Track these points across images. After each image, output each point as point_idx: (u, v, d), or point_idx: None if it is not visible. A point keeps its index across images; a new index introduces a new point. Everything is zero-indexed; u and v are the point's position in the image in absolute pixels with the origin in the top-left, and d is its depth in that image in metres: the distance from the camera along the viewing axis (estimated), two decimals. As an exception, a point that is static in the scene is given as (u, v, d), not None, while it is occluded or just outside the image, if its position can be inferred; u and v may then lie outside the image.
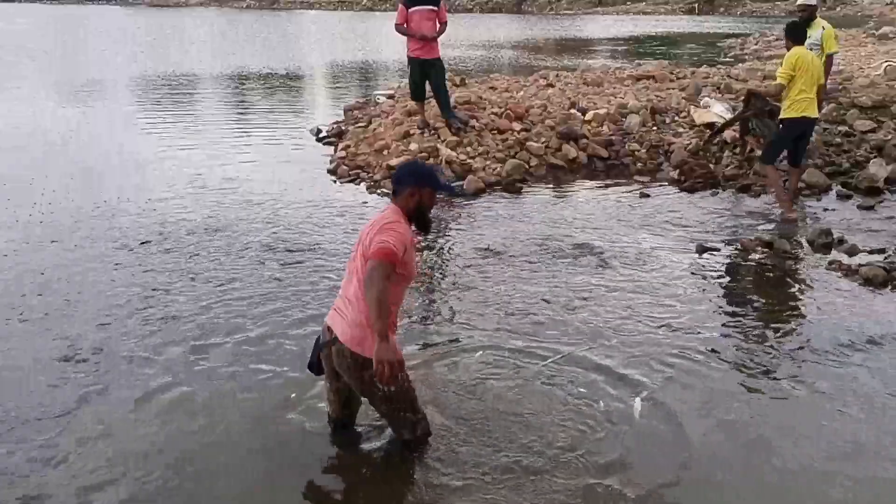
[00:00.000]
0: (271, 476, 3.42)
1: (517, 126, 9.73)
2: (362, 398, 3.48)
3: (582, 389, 4.12)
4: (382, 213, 3.37)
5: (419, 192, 3.35)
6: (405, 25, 9.29)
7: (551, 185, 8.46)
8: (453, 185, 3.75)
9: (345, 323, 3.27)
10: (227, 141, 10.88)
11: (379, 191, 8.18)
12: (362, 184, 8.51)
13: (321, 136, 10.99)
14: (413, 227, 3.41)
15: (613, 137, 9.65)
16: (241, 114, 13.80)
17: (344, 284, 3.41)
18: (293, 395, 4.04)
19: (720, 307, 5.33)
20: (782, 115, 7.25)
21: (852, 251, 6.23)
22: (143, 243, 6.40)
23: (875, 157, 8.76)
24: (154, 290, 5.45)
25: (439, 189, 3.52)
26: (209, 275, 5.74)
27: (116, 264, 5.95)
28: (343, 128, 10.99)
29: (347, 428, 3.65)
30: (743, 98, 8.11)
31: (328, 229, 6.86)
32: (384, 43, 25.90)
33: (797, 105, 7.10)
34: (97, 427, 3.77)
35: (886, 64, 14.37)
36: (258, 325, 4.90)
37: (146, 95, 15.77)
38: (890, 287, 5.54)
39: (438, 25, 9.35)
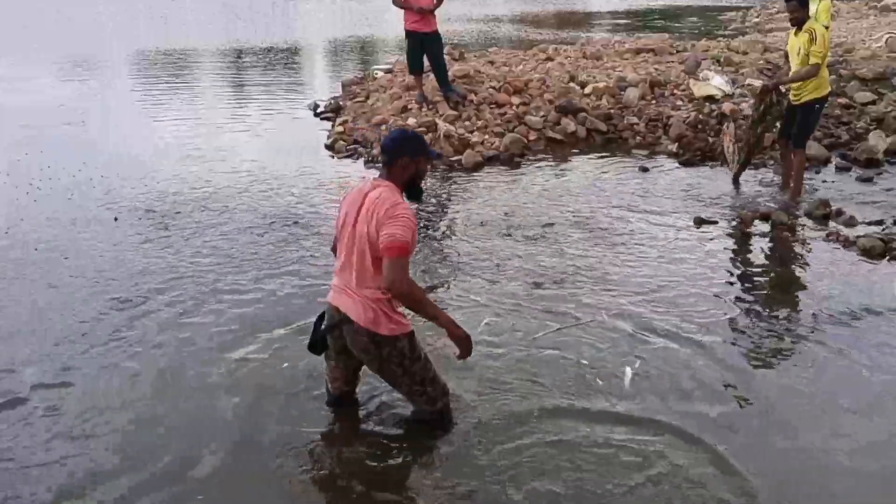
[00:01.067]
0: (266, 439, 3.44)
1: (516, 100, 9.68)
2: (382, 377, 3.43)
3: (584, 361, 4.13)
4: (377, 192, 3.18)
5: (415, 162, 3.27)
6: (403, -1, 9.23)
7: (550, 159, 8.43)
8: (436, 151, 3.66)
9: (355, 304, 3.21)
10: (223, 116, 10.85)
11: (377, 165, 8.15)
12: (360, 159, 8.49)
13: (319, 111, 10.94)
14: (406, 198, 3.30)
15: (612, 111, 9.60)
16: (238, 89, 13.74)
17: (342, 264, 3.29)
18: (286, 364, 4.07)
19: (717, 279, 5.33)
20: (816, 96, 6.73)
21: (850, 223, 6.23)
22: (139, 215, 6.41)
23: (875, 128, 8.74)
24: (145, 267, 5.46)
25: (433, 157, 3.47)
26: (205, 249, 5.75)
27: (107, 240, 5.97)
28: (341, 103, 10.93)
29: (344, 404, 3.64)
30: (759, 96, 7.10)
31: (325, 205, 6.84)
32: (382, 16, 25.67)
33: (826, 82, 6.80)
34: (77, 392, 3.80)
35: (888, 36, 14.28)
36: (250, 303, 4.92)
37: (143, 70, 15.70)
38: (888, 258, 5.54)
39: (435, -1, 9.28)
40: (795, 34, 6.68)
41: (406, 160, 3.26)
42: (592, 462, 3.30)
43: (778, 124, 7.21)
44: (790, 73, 6.84)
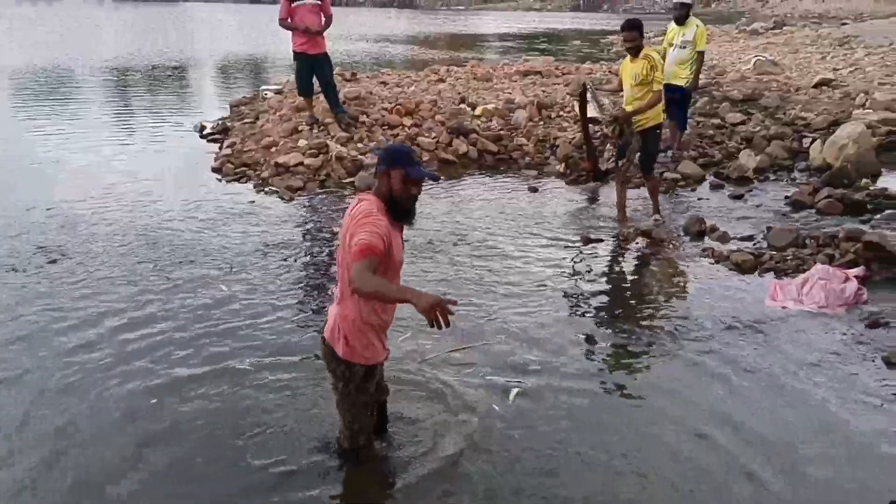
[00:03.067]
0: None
1: (407, 121, 9.75)
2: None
3: (456, 386, 4.18)
4: (359, 206, 3.08)
5: (388, 173, 3.06)
6: (289, 20, 9.12)
7: (443, 180, 8.52)
8: (430, 171, 3.28)
9: (330, 318, 3.25)
10: (105, 139, 10.38)
11: (267, 189, 8.01)
12: (249, 182, 8.31)
13: (205, 132, 10.64)
14: (392, 218, 3.08)
15: (502, 132, 9.81)
16: (121, 110, 13.19)
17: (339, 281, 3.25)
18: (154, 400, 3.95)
19: (601, 294, 5.53)
20: (658, 122, 6.90)
21: (724, 238, 6.57)
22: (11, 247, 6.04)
23: (745, 148, 9.28)
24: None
25: (412, 171, 3.06)
26: (85, 280, 5.47)
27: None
28: (229, 124, 10.69)
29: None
30: (615, 129, 6.85)
31: (210, 230, 6.65)
32: (272, 36, 25.33)
33: (660, 109, 6.95)
34: None
35: (756, 58, 15.24)
36: (137, 327, 4.72)
37: (20, 90, 14.86)
38: (757, 272, 5.88)
39: (323, 19, 9.23)
40: (632, 61, 6.75)
41: (382, 171, 3.09)
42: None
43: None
44: (626, 99, 6.88)
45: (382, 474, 3.48)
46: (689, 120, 9.52)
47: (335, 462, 3.47)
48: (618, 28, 7.47)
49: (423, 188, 3.27)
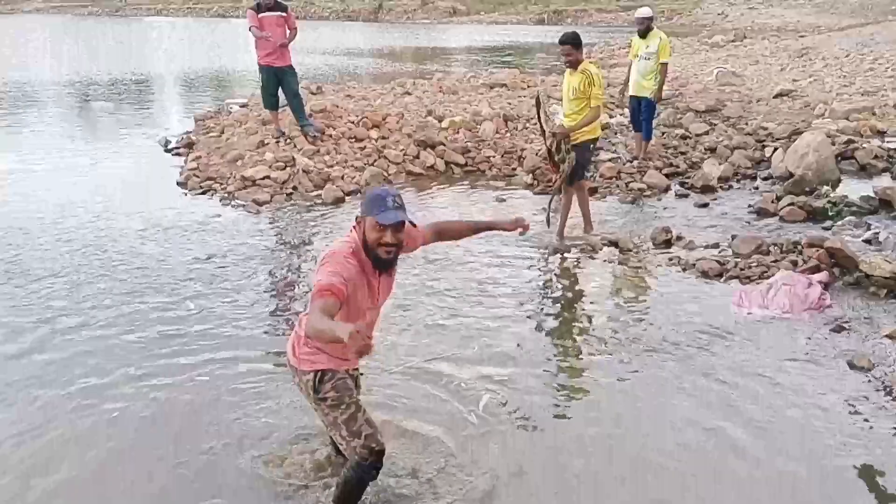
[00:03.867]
0: None
1: (374, 134, 9.73)
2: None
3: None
4: (335, 242, 3.09)
5: (364, 220, 2.99)
6: (259, 27, 9.11)
7: (412, 192, 8.49)
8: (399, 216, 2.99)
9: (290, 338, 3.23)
10: (67, 154, 10.20)
11: (233, 202, 7.94)
12: (215, 196, 8.22)
13: (170, 146, 10.51)
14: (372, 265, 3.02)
15: (469, 144, 9.83)
16: (82, 126, 12.99)
17: None
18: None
19: (570, 302, 5.56)
20: (592, 136, 6.83)
21: (690, 246, 6.64)
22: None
23: (709, 157, 9.41)
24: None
25: (379, 217, 2.92)
26: (44, 298, 5.36)
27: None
28: (194, 138, 10.57)
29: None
30: (552, 143, 6.72)
31: (175, 245, 6.56)
32: (236, 50, 25.19)
33: (599, 124, 6.95)
34: None
35: (717, 70, 15.51)
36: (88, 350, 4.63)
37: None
38: (723, 278, 5.95)
39: (288, 32, 9.22)
40: (571, 74, 6.69)
41: (358, 219, 3.04)
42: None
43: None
44: (564, 112, 6.90)
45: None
46: (653, 131, 9.65)
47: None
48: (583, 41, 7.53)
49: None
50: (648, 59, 8.93)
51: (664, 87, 9.41)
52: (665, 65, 9.00)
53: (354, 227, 3.06)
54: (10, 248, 6.39)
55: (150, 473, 3.52)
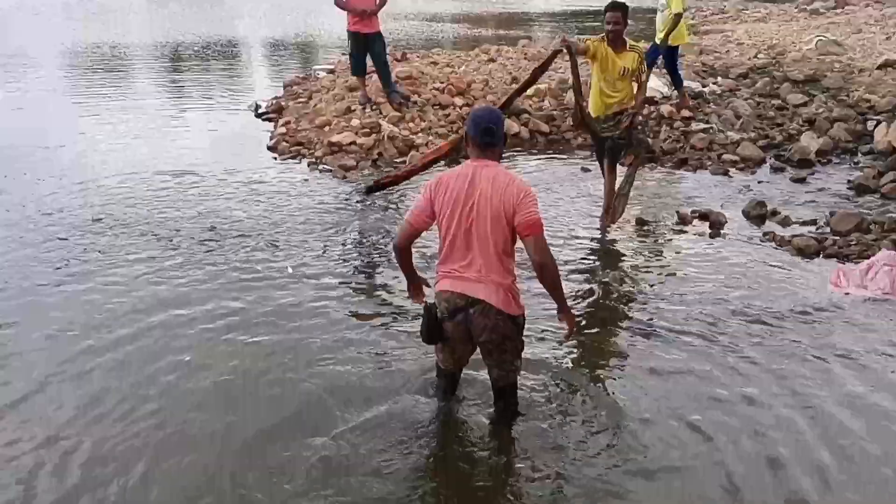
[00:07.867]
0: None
1: (459, 101, 9.71)
2: (494, 357, 3.42)
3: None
4: (492, 171, 3.20)
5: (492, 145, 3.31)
6: (344, 1, 9.15)
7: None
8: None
9: (486, 287, 3.24)
10: (162, 118, 10.55)
11: (320, 167, 8.08)
12: (304, 160, 8.39)
13: (260, 111, 10.75)
14: None
15: (555, 112, 9.70)
16: (178, 89, 13.39)
17: (457, 251, 3.25)
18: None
19: (658, 277, 5.46)
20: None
21: (785, 222, 6.42)
22: (92, 220, 6.21)
23: (807, 129, 9.04)
24: (76, 270, 5.31)
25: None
26: (146, 254, 5.61)
27: (49, 249, 5.77)
28: (283, 103, 10.77)
29: (456, 378, 3.72)
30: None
31: (270, 208, 6.74)
32: (324, 16, 25.41)
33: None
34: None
35: (817, 38, 14.79)
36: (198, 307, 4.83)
37: (77, 70, 15.18)
38: (821, 256, 5.74)
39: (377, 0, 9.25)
40: (618, 55, 5.83)
41: (501, 148, 3.36)
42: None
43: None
44: (600, 90, 6.08)
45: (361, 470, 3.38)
46: (682, 81, 9.84)
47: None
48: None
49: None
50: (663, 10, 9.26)
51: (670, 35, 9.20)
52: (679, 15, 9.05)
53: (490, 154, 3.27)
54: (155, 210, 6.65)
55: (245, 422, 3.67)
